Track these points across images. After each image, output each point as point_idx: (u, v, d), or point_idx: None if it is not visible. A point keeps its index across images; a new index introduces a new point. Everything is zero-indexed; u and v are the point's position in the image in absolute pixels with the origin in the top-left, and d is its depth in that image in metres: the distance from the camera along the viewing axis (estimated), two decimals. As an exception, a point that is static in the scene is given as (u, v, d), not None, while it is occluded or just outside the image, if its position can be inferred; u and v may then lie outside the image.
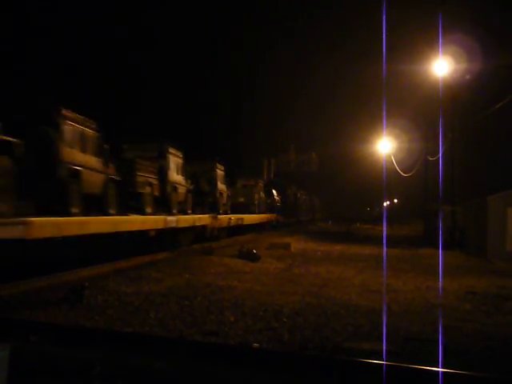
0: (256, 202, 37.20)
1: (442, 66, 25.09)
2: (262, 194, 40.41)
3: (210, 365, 2.25)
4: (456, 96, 27.87)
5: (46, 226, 11.80)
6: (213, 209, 26.78)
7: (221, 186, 29.05)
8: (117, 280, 12.53)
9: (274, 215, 42.43)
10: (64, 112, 13.34)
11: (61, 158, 13.03)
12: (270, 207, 42.53)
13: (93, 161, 14.71)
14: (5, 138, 11.29)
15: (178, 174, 21.98)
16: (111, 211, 15.62)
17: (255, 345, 7.22)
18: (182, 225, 20.76)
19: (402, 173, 38.94)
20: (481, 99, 30.42)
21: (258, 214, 37.08)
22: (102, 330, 6.36)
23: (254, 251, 18.75)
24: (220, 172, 29.07)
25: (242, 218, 30.82)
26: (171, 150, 21.30)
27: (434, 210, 31.24)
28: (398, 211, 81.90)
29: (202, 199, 26.06)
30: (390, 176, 43.85)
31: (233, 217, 29.20)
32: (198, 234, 23.68)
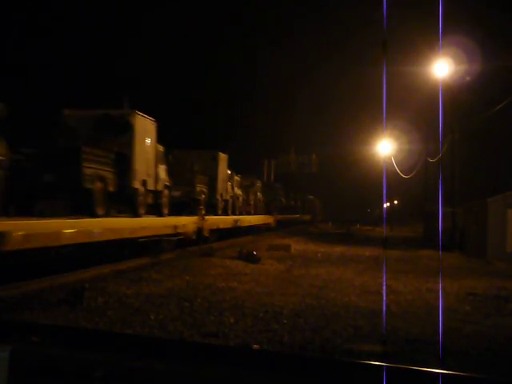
0: (252, 203, 36.36)
1: (442, 68, 25.06)
2: (260, 195, 39.78)
3: (210, 366, 2.26)
4: (456, 97, 27.88)
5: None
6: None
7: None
8: (117, 281, 12.52)
9: (273, 216, 41.57)
10: None
11: None
12: (268, 208, 42.28)
13: None
14: None
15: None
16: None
17: (255, 346, 7.21)
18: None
19: (402, 174, 38.92)
20: (481, 101, 30.44)
21: (254, 215, 35.81)
22: (102, 331, 6.36)
23: (254, 253, 18.74)
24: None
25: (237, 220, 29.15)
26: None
27: (433, 211, 31.23)
28: (398, 213, 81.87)
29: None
30: (390, 177, 43.84)
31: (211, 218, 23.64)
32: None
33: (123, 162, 15.42)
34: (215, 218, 24.83)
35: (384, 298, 11.26)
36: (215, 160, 26.88)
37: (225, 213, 28.25)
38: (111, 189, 14.89)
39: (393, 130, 40.66)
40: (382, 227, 47.85)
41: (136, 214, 16.43)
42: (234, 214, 30.29)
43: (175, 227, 18.72)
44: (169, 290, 11.68)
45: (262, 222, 37.10)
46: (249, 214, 34.57)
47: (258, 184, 39.70)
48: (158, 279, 13.23)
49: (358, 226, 59.17)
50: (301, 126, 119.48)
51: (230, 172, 29.98)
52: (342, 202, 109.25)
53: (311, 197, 69.91)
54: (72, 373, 2.29)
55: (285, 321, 8.96)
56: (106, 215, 14.53)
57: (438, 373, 2.16)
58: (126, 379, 2.22)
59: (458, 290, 12.69)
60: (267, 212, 41.71)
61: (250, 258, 18.09)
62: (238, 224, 28.64)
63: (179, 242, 19.72)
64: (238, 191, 32.75)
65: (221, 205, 27.66)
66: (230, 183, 30.17)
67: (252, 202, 36.54)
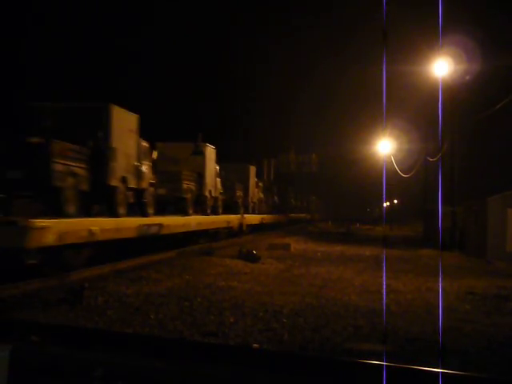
0: (239, 201, 33.93)
1: (441, 67, 25.05)
2: (261, 194, 39.89)
3: (210, 365, 2.26)
4: (456, 97, 27.85)
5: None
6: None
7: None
8: (117, 281, 12.53)
9: (272, 216, 41.79)
10: None
11: None
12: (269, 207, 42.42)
13: None
14: None
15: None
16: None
17: (255, 345, 7.22)
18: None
19: (401, 173, 38.90)
20: (480, 100, 30.41)
21: (250, 214, 34.50)
22: (102, 330, 6.36)
23: (254, 252, 18.75)
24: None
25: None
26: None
27: (433, 210, 31.23)
28: (398, 212, 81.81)
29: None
30: (390, 177, 43.80)
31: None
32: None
33: (98, 159, 14.48)
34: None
35: (384, 298, 11.27)
36: (202, 154, 24.88)
37: (215, 211, 26.34)
38: (84, 187, 13.99)
39: (393, 129, 40.67)
40: (382, 226, 47.86)
41: (115, 214, 15.47)
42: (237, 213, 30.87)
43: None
44: (169, 290, 11.68)
45: (257, 222, 38.29)
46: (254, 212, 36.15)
47: (260, 184, 39.98)
48: (158, 278, 13.24)
49: (358, 225, 59.18)
50: (301, 125, 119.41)
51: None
52: (341, 202, 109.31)
53: (313, 197, 70.25)
54: (72, 372, 2.29)
55: (284, 320, 8.96)
56: (80, 214, 13.74)
57: (438, 372, 2.16)
58: (126, 378, 2.23)
59: (457, 290, 12.69)
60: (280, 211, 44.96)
61: (249, 258, 18.10)
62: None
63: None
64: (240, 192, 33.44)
65: (210, 202, 25.54)
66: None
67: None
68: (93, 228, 13.48)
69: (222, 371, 2.20)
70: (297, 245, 26.12)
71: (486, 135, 40.88)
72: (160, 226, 18.47)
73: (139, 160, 17.09)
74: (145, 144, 17.86)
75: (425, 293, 12.20)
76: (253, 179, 36.36)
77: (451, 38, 24.04)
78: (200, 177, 23.96)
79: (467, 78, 26.26)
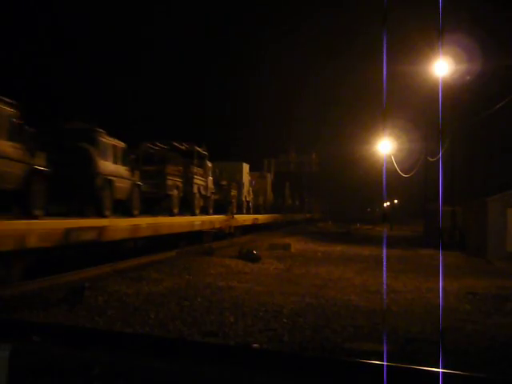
0: (233, 200, 32.24)
1: (442, 67, 25.05)
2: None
3: (210, 365, 2.26)
4: (456, 96, 27.88)
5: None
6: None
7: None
8: (117, 281, 12.52)
9: (268, 216, 40.37)
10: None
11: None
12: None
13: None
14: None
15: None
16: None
17: (255, 345, 7.22)
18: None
19: (402, 173, 38.90)
20: (481, 100, 30.40)
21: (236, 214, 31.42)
22: (102, 330, 6.36)
23: (254, 252, 18.75)
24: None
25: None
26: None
27: (433, 210, 31.22)
28: (398, 212, 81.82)
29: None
30: (390, 176, 43.82)
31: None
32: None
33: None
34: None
35: (384, 297, 11.27)
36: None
37: (205, 212, 25.25)
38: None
39: (393, 129, 40.68)
40: (382, 226, 47.88)
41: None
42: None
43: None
44: (169, 289, 11.68)
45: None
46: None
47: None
48: (158, 278, 13.23)
49: (358, 225, 59.17)
50: (301, 125, 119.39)
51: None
52: (341, 202, 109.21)
53: (313, 197, 70.29)
54: (72, 371, 2.29)
55: (285, 320, 8.96)
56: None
57: (439, 372, 2.16)
58: (125, 377, 2.22)
59: (458, 290, 12.69)
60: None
61: (250, 257, 18.10)
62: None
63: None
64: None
65: (198, 202, 24.09)
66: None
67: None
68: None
69: (222, 371, 2.20)
70: (297, 245, 26.12)
71: (486, 135, 40.85)
72: (98, 230, 14.56)
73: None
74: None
75: (425, 293, 12.20)
76: (246, 177, 35.11)
77: (452, 37, 24.05)
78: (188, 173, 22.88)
79: (468, 77, 26.28)
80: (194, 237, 22.83)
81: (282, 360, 2.38)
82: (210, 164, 26.09)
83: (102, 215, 15.11)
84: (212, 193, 26.45)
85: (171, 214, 20.62)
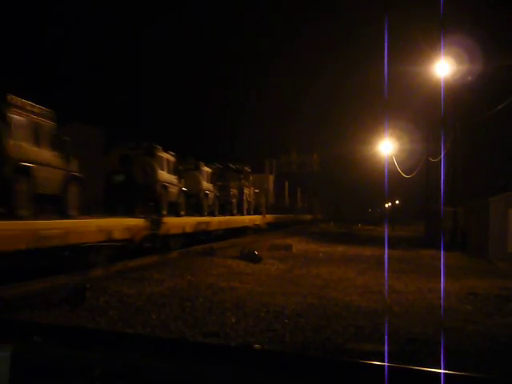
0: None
1: (443, 68, 25.06)
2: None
3: (211, 366, 2.25)
4: (458, 97, 27.87)
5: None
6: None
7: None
8: (118, 281, 12.54)
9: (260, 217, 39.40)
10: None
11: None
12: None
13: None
14: None
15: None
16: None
17: (256, 346, 7.22)
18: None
19: (403, 174, 38.89)
20: (482, 100, 30.40)
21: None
22: (103, 331, 6.36)
23: (256, 252, 18.75)
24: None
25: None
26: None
27: (435, 211, 31.21)
28: (400, 212, 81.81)
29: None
30: (392, 177, 43.82)
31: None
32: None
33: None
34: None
35: (386, 298, 11.26)
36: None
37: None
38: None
39: (394, 129, 40.67)
40: (384, 227, 47.86)
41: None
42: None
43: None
44: (170, 290, 11.69)
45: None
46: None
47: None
48: (160, 279, 13.24)
49: (360, 225, 59.15)
50: (302, 126, 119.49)
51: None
52: (343, 202, 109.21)
53: (315, 198, 70.37)
54: (73, 372, 2.29)
55: (286, 320, 8.96)
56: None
57: (440, 372, 2.15)
58: (126, 378, 2.22)
59: (459, 290, 12.68)
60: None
61: (251, 258, 18.10)
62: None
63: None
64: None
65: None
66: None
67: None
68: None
69: (223, 371, 2.20)
70: (298, 245, 26.12)
71: (487, 136, 40.83)
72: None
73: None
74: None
75: (426, 293, 12.19)
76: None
77: (453, 38, 24.04)
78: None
79: (469, 78, 26.26)
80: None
81: (283, 361, 2.38)
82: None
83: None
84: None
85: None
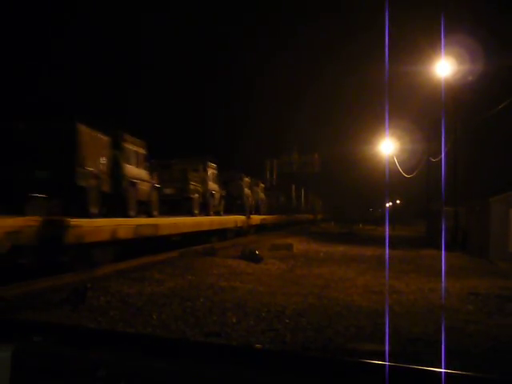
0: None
1: (444, 68, 25.04)
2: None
3: (212, 366, 2.25)
4: (458, 97, 27.85)
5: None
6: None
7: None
8: (119, 281, 12.53)
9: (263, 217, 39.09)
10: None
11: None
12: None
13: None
14: None
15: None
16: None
17: (257, 346, 7.21)
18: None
19: (404, 174, 38.89)
20: (483, 100, 30.38)
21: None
22: (104, 331, 6.35)
23: (257, 252, 18.74)
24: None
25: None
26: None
27: (436, 210, 31.19)
28: (401, 212, 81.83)
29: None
30: (393, 177, 43.83)
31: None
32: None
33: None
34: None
35: (386, 298, 11.26)
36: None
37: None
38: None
39: (395, 129, 40.67)
40: (384, 227, 47.85)
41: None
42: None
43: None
44: (171, 290, 11.69)
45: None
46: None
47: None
48: (161, 279, 13.24)
49: (361, 225, 59.16)
50: (303, 125, 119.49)
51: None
52: (344, 202, 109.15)
53: (316, 198, 70.40)
54: (74, 372, 2.28)
55: (287, 320, 8.95)
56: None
57: (441, 372, 2.15)
58: (128, 378, 2.22)
59: (460, 290, 12.67)
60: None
61: (252, 258, 18.09)
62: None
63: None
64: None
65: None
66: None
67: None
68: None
69: (223, 371, 2.20)
70: (299, 245, 26.12)
71: (488, 135, 40.81)
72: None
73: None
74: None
75: (427, 293, 12.19)
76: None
77: (454, 38, 24.02)
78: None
79: (470, 78, 26.23)
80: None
81: (284, 360, 2.38)
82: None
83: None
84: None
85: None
